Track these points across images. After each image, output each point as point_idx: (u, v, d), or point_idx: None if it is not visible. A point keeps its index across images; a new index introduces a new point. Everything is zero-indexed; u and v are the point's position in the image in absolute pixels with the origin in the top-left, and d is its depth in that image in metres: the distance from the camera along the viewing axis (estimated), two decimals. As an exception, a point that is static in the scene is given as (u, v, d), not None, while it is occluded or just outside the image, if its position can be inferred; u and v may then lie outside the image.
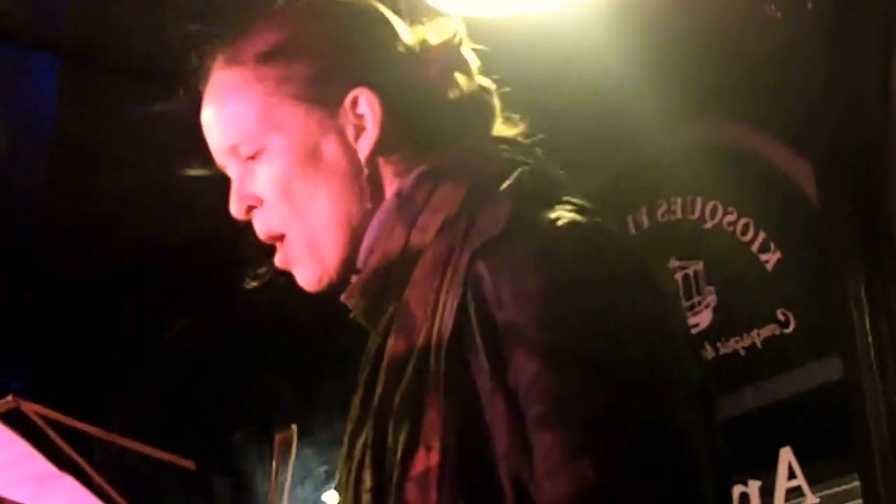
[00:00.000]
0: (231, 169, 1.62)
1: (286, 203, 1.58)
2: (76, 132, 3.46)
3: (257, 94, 1.58)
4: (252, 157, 1.59)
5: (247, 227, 1.63)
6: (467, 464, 1.40)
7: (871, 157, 3.06)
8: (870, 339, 3.00)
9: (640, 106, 3.39)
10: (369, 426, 1.50)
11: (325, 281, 1.59)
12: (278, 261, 1.61)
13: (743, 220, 3.47)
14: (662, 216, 3.62)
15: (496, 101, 1.66)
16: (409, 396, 1.44)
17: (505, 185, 1.51)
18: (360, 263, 1.57)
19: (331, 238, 1.57)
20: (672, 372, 1.43)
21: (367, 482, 1.47)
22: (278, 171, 1.58)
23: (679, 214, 3.59)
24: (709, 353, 3.46)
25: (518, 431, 1.39)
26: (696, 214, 3.55)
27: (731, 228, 3.49)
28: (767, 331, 3.37)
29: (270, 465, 1.67)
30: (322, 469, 4.10)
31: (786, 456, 3.28)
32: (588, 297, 1.42)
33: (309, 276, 1.60)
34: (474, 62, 1.65)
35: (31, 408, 1.41)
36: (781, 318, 3.36)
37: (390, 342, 1.50)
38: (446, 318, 1.44)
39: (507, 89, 1.68)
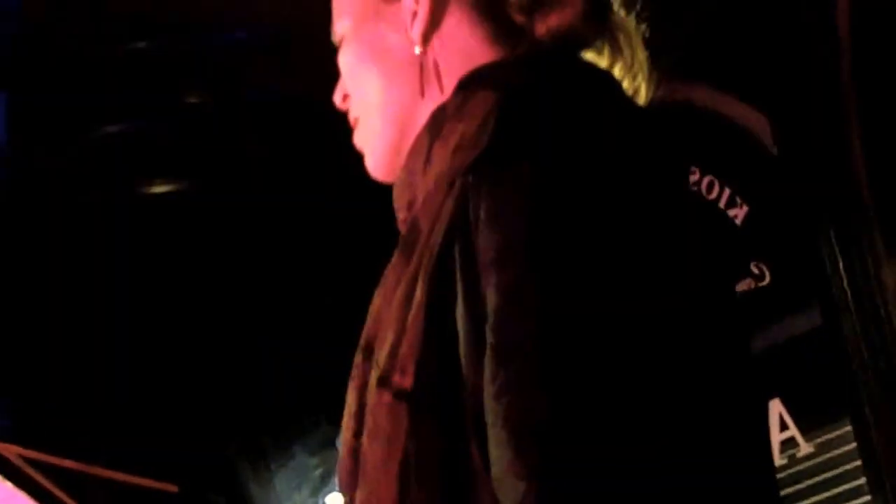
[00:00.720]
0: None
1: (354, 89, 1.56)
2: (28, 157, 3.46)
3: None
4: (340, 46, 1.57)
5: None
6: (439, 392, 1.30)
7: (826, 100, 3.04)
8: (845, 282, 2.99)
9: None
10: (362, 344, 1.43)
11: (379, 172, 1.56)
12: (356, 139, 1.58)
13: (707, 179, 3.42)
14: None
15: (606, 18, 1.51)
16: (395, 316, 1.36)
17: (537, 90, 1.37)
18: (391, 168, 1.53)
19: (384, 131, 1.53)
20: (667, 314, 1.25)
21: (351, 405, 1.41)
22: (348, 58, 1.55)
23: None
24: None
25: (480, 364, 1.26)
26: None
27: (694, 188, 3.41)
28: (744, 285, 3.32)
29: (265, 477, 1.62)
30: (317, 472, 4.08)
31: (776, 408, 3.24)
32: (569, 236, 1.25)
33: (372, 165, 1.57)
34: None
35: (11, 450, 1.37)
36: (756, 271, 3.32)
37: (394, 258, 1.43)
38: (435, 238, 1.35)
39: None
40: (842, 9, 2.98)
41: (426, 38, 1.48)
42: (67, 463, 1.40)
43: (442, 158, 1.41)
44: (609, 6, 1.51)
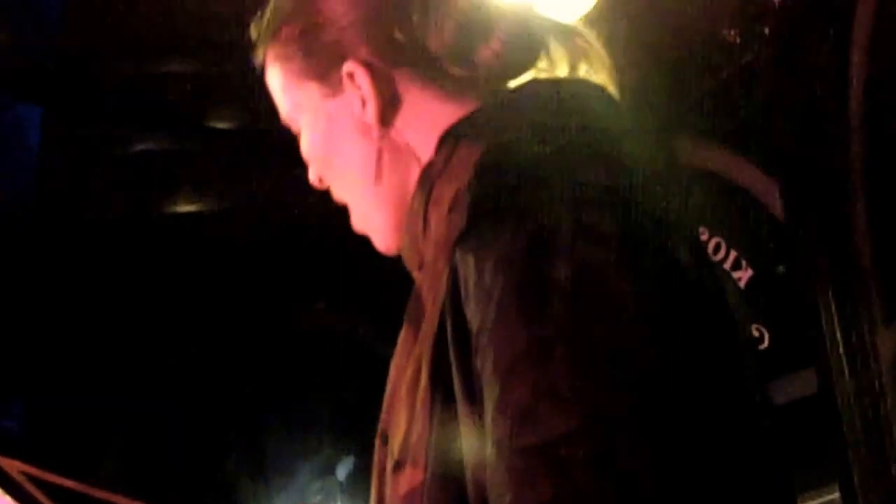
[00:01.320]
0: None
1: (333, 178, 1.52)
2: (62, 176, 3.50)
3: (282, 73, 1.53)
4: (300, 136, 1.54)
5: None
6: (449, 484, 1.25)
7: (834, 174, 3.09)
8: (842, 349, 3.01)
9: None
10: (379, 430, 1.38)
11: (391, 249, 1.50)
12: (354, 225, 1.53)
13: (714, 240, 3.50)
14: None
15: (542, 40, 1.47)
16: (406, 402, 1.32)
17: (516, 148, 1.32)
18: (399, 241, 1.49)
19: (375, 211, 1.50)
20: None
21: (374, 491, 1.36)
22: (315, 149, 1.53)
23: None
24: None
25: (482, 445, 1.21)
26: None
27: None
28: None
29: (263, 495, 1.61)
30: (317, 498, 4.10)
31: (765, 470, 3.32)
32: (556, 300, 1.18)
33: (378, 244, 1.52)
34: None
35: (14, 466, 1.43)
36: (756, 334, 3.39)
37: (402, 330, 1.39)
38: (434, 312, 1.29)
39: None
40: (855, 89, 3.03)
41: (385, 119, 1.46)
42: (69, 483, 1.45)
43: (439, 222, 1.37)
44: (530, 19, 1.49)
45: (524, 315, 1.17)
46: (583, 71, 1.47)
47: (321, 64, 1.49)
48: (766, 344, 3.38)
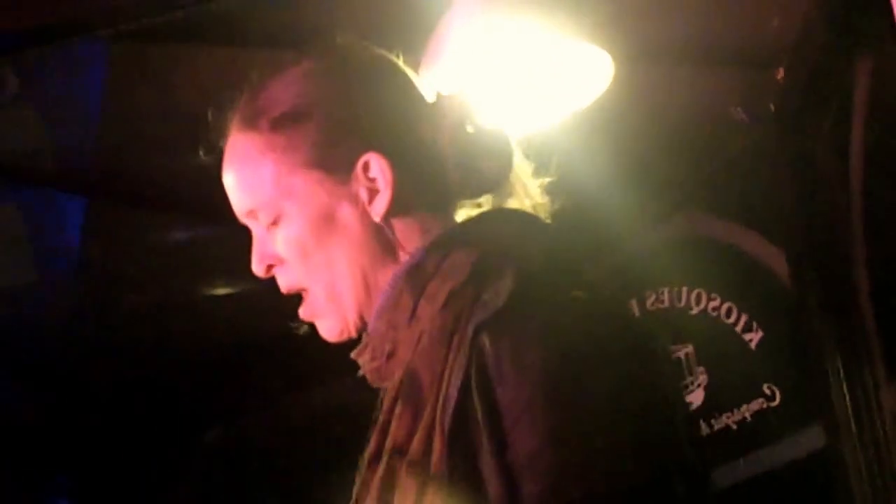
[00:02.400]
0: (253, 229, 1.62)
1: (305, 264, 1.56)
2: (101, 261, 3.57)
3: (271, 162, 1.56)
4: (273, 224, 1.58)
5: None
6: None
7: (836, 239, 3.13)
8: (848, 407, 3.05)
9: (625, 206, 3.52)
10: (372, 498, 1.46)
11: (346, 335, 1.58)
12: (303, 313, 1.60)
13: (726, 305, 3.58)
14: (652, 305, 3.74)
15: (514, 162, 1.62)
16: (412, 473, 1.41)
17: (512, 253, 1.48)
18: (369, 327, 1.56)
19: (349, 297, 1.56)
20: (668, 451, 1.40)
21: None
22: (296, 234, 1.56)
23: (667, 303, 3.71)
24: (703, 429, 3.53)
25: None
26: (683, 302, 3.67)
27: (715, 313, 3.60)
28: (756, 405, 3.47)
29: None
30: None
31: (779, 522, 3.33)
32: (588, 376, 1.37)
33: (330, 329, 1.59)
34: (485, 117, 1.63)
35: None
36: (768, 392, 3.45)
37: (398, 410, 1.47)
38: (451, 391, 1.40)
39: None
40: (855, 162, 3.09)
41: (386, 212, 1.55)
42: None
43: (430, 316, 1.48)
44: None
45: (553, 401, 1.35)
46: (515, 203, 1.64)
47: (333, 154, 1.55)
48: (776, 402, 3.44)
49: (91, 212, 3.44)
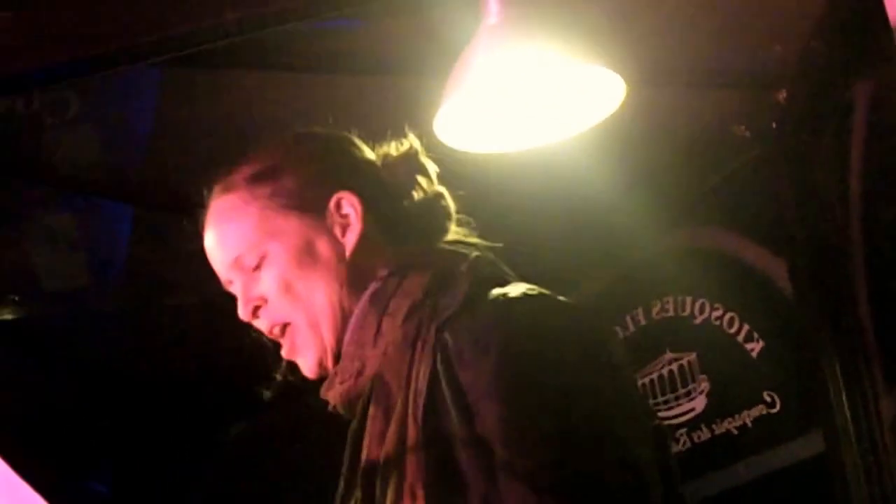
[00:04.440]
0: (236, 283, 1.76)
1: (288, 297, 1.71)
2: (147, 266, 3.68)
3: (254, 208, 1.73)
4: (257, 267, 1.72)
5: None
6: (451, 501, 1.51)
7: (836, 251, 3.19)
8: (847, 414, 3.10)
9: (630, 218, 3.58)
10: (358, 488, 1.62)
11: (325, 364, 1.72)
12: (284, 352, 1.75)
13: (729, 315, 3.61)
14: (657, 314, 3.78)
15: (450, 204, 1.81)
16: (392, 456, 1.56)
17: (462, 268, 1.67)
18: (342, 351, 1.71)
19: (328, 322, 1.71)
20: (619, 414, 1.54)
21: None
22: (279, 271, 1.71)
23: (672, 312, 3.74)
24: (704, 434, 3.58)
25: (490, 474, 1.51)
26: (687, 311, 3.70)
27: (718, 322, 3.63)
28: (756, 411, 3.50)
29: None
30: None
31: (779, 527, 3.30)
32: (541, 353, 1.54)
33: (311, 361, 1.73)
34: (433, 169, 1.82)
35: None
36: (768, 399, 3.49)
37: (370, 412, 1.63)
38: (420, 384, 1.56)
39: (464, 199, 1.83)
40: (854, 177, 3.15)
41: (356, 244, 1.73)
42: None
43: (393, 329, 1.65)
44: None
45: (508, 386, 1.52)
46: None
47: (310, 196, 1.73)
48: (776, 408, 3.47)
49: (138, 221, 3.56)
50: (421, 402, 1.55)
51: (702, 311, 3.70)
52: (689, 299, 3.73)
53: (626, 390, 1.62)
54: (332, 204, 1.73)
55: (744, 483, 3.49)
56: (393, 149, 1.83)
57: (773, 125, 3.31)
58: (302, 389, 1.85)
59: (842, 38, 3.00)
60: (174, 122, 3.16)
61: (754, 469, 3.49)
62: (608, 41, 2.37)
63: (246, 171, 1.76)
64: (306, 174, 1.75)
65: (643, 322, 3.83)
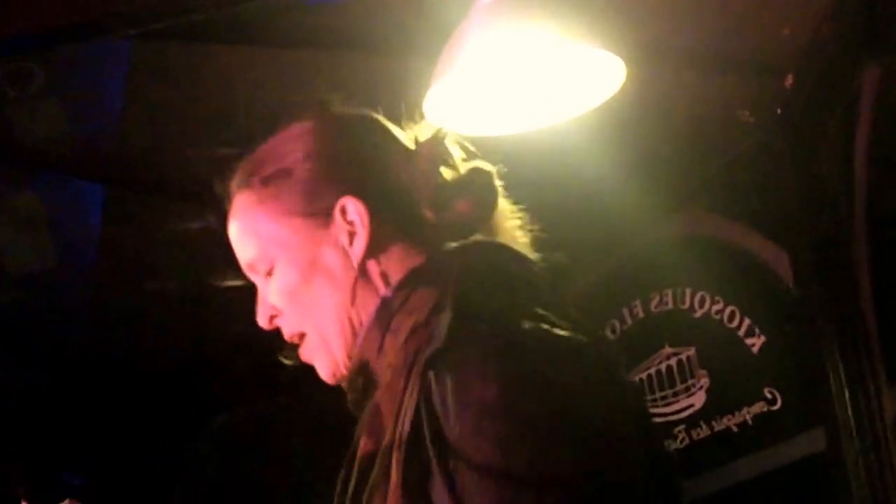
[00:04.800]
0: (257, 283, 1.71)
1: (297, 308, 1.65)
2: (120, 248, 3.66)
3: (262, 212, 1.67)
4: (269, 274, 1.67)
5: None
6: None
7: (840, 244, 3.17)
8: (849, 411, 3.10)
9: (628, 206, 3.56)
10: None
11: (338, 375, 1.66)
12: (301, 355, 1.69)
13: (729, 308, 3.61)
14: (655, 307, 3.77)
15: (484, 192, 1.68)
16: (375, 493, 1.49)
17: (459, 288, 1.54)
18: (351, 362, 1.64)
19: (337, 336, 1.65)
20: (622, 480, 1.42)
21: None
22: (285, 281, 1.65)
23: (671, 305, 3.74)
24: (704, 430, 3.57)
25: None
26: (687, 304, 3.69)
27: (718, 316, 3.63)
28: (757, 408, 3.50)
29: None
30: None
31: (779, 524, 3.33)
32: (528, 405, 1.41)
33: (325, 370, 1.68)
34: (459, 154, 1.71)
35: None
36: (769, 395, 3.49)
37: (361, 441, 1.56)
38: (405, 425, 1.46)
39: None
40: (859, 166, 3.14)
41: (364, 252, 1.64)
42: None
43: (394, 349, 1.57)
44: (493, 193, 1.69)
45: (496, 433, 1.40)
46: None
47: (314, 201, 1.66)
48: (777, 405, 3.46)
49: (111, 201, 3.51)
50: (403, 444, 1.46)
51: (702, 304, 3.69)
52: (688, 292, 3.72)
53: (633, 454, 1.47)
54: (337, 210, 1.65)
55: (743, 481, 3.48)
56: (421, 132, 1.73)
57: (779, 111, 3.30)
58: (285, 382, 1.81)
59: (852, 24, 2.98)
60: (147, 97, 3.12)
61: (754, 467, 3.49)
62: (607, 21, 2.32)
63: (259, 166, 1.71)
64: (315, 174, 1.68)
65: (641, 315, 3.83)
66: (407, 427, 1.46)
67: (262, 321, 1.70)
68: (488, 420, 1.40)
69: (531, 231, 1.69)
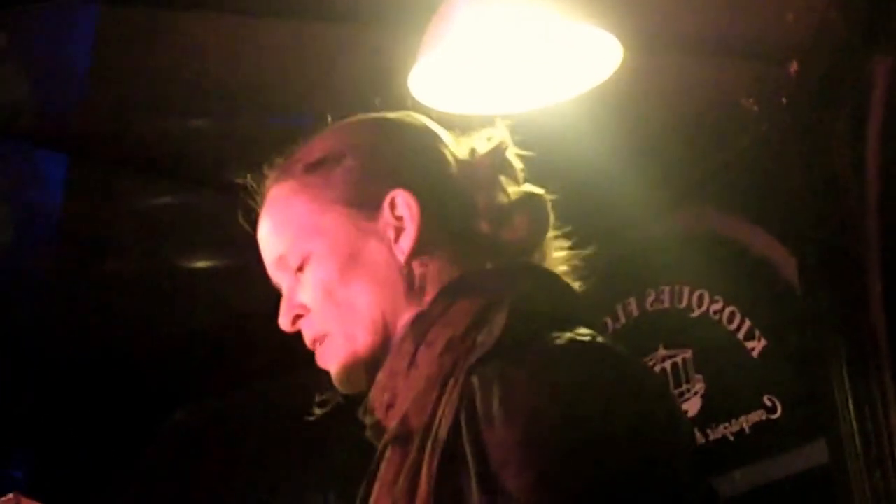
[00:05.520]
0: (283, 283, 1.64)
1: (329, 304, 1.59)
2: (83, 223, 3.58)
3: (302, 201, 1.62)
4: (300, 269, 1.61)
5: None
6: None
7: (850, 244, 3.13)
8: (854, 423, 3.06)
9: (626, 197, 3.50)
10: None
11: (354, 378, 1.60)
12: (318, 360, 1.62)
13: (729, 309, 3.54)
14: (651, 305, 3.71)
15: (539, 214, 1.64)
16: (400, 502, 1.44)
17: (508, 300, 1.50)
18: (376, 377, 1.58)
19: (365, 336, 1.59)
20: (662, 491, 1.41)
21: None
22: (322, 274, 1.60)
23: (667, 303, 3.67)
24: (698, 439, 3.48)
25: None
26: (684, 303, 3.63)
27: (717, 317, 3.56)
28: (755, 416, 3.44)
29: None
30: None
31: (779, 538, 3.31)
32: (578, 418, 1.39)
33: (338, 373, 1.61)
34: (519, 167, 1.67)
35: (31, 504, 1.51)
36: (768, 403, 3.42)
37: (388, 454, 1.51)
38: (441, 433, 1.43)
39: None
40: (871, 162, 3.10)
41: (411, 251, 1.57)
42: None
43: (428, 362, 1.51)
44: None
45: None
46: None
47: (362, 190, 1.61)
48: (777, 414, 3.40)
49: (74, 172, 3.45)
50: (438, 453, 1.43)
51: (700, 303, 3.63)
52: (686, 289, 3.66)
53: (678, 472, 1.46)
54: (386, 202, 1.60)
55: (739, 494, 3.40)
56: (480, 142, 1.68)
57: (784, 100, 3.25)
58: (251, 375, 1.68)
59: (861, 10, 2.96)
60: (115, 64, 3.05)
61: (751, 479, 3.42)
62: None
63: (304, 157, 1.66)
64: (364, 166, 1.63)
65: (636, 313, 3.77)
66: (444, 434, 1.43)
67: (285, 322, 1.64)
68: (538, 429, 1.39)
69: (573, 264, 1.66)
